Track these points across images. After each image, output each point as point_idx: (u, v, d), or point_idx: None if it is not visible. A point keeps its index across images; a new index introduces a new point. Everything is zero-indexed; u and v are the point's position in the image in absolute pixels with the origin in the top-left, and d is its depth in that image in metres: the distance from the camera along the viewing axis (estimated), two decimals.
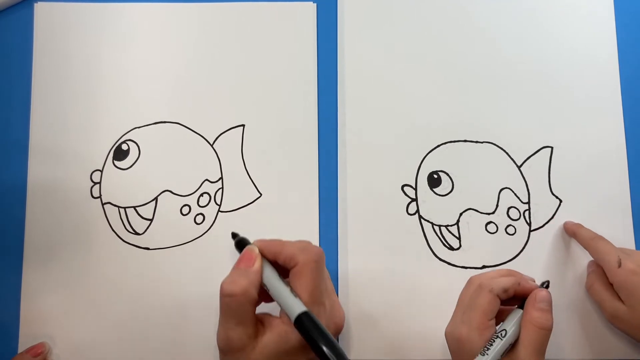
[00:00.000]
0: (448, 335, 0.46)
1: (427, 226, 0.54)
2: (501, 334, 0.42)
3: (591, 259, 0.51)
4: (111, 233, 0.54)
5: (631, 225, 0.53)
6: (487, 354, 0.41)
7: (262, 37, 0.57)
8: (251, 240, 0.45)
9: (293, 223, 0.54)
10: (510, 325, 0.43)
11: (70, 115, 0.55)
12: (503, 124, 0.55)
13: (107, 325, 0.52)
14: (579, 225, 0.52)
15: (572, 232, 0.52)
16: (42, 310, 0.52)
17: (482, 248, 0.53)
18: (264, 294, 0.43)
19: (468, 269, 0.53)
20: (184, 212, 0.54)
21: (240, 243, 0.45)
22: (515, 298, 0.45)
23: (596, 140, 0.55)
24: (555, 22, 0.57)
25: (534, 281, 0.48)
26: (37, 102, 0.56)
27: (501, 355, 0.41)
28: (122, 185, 0.54)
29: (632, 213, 0.54)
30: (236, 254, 0.47)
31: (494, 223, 0.54)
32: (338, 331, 0.44)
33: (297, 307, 0.40)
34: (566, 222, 0.53)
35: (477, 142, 0.55)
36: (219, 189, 0.54)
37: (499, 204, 0.54)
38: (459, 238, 0.53)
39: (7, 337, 0.52)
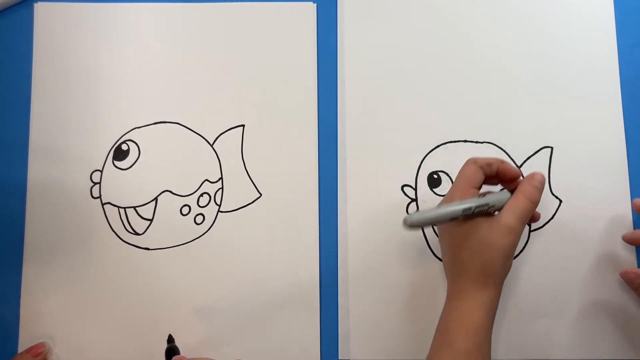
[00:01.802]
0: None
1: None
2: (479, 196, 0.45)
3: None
4: (111, 233, 0.54)
5: (631, 226, 0.53)
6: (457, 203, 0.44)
7: (262, 37, 0.57)
8: None
9: (293, 223, 0.54)
10: (489, 195, 0.46)
11: (70, 115, 0.55)
12: (503, 124, 0.55)
13: (107, 325, 0.52)
14: None
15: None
16: (42, 310, 0.52)
17: None
18: None
19: None
20: (184, 213, 0.54)
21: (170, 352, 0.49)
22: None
23: (596, 140, 0.55)
24: (555, 23, 0.57)
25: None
26: (37, 102, 0.56)
27: (472, 211, 0.44)
28: (122, 185, 0.54)
29: (632, 213, 0.53)
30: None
31: None
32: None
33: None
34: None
35: (477, 142, 0.55)
36: (219, 189, 0.54)
37: None
38: None
39: (7, 337, 0.52)
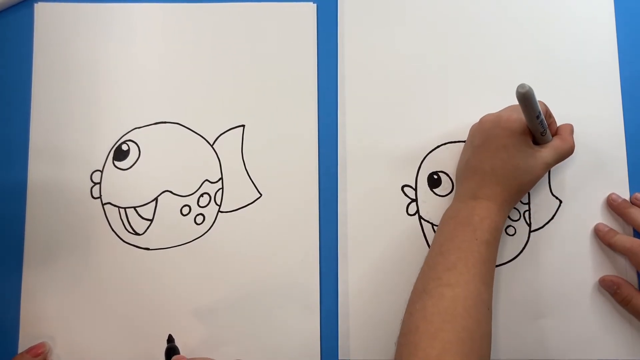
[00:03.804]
0: (483, 122, 0.50)
1: (427, 226, 0.54)
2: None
3: (602, 275, 0.52)
4: (111, 233, 0.54)
5: (630, 227, 0.53)
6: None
7: (262, 37, 0.57)
8: None
9: (293, 223, 0.54)
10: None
11: (70, 115, 0.55)
12: None
13: (107, 326, 0.52)
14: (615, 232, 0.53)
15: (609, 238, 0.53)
16: (42, 310, 0.52)
17: None
18: None
19: None
20: (184, 213, 0.54)
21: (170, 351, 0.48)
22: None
23: (596, 141, 0.55)
24: (555, 23, 0.57)
25: None
26: (37, 102, 0.56)
27: (539, 119, 0.47)
28: (122, 185, 0.54)
29: None
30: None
31: None
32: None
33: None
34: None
35: None
36: (219, 189, 0.54)
37: None
38: None
39: (7, 337, 0.52)
